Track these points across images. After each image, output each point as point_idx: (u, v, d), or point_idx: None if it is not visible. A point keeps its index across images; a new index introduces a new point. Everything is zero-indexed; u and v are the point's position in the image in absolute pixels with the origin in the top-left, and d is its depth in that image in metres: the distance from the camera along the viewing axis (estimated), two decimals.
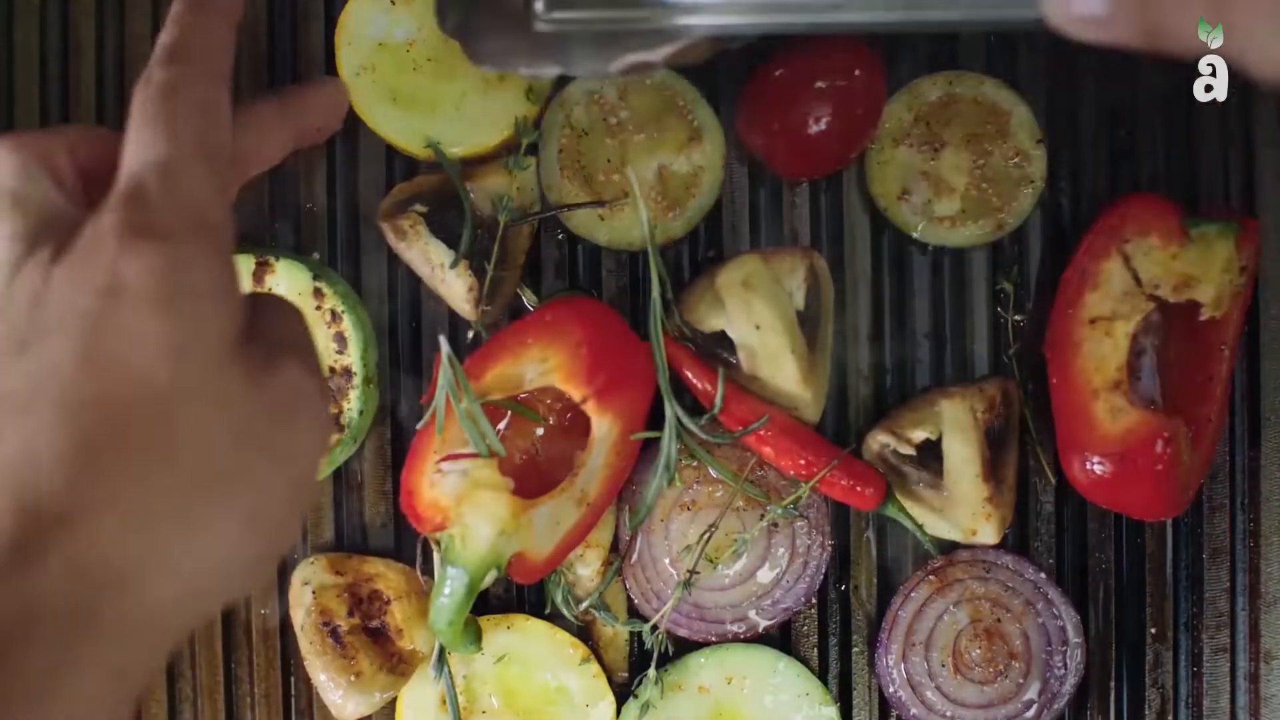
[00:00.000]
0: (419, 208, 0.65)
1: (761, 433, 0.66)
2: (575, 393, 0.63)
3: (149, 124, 0.38)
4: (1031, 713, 0.67)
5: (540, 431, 0.67)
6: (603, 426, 0.63)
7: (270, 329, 0.37)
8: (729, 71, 0.69)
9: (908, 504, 0.67)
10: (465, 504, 0.62)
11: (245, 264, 0.66)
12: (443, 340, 0.63)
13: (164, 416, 0.33)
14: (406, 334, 0.70)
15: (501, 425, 0.66)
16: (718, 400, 0.66)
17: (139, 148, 0.37)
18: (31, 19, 0.71)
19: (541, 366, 0.63)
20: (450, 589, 0.62)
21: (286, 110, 0.48)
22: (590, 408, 0.63)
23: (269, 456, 0.35)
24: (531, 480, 0.64)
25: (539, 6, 0.51)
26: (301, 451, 0.37)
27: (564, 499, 0.63)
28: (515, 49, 0.53)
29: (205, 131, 0.38)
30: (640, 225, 0.66)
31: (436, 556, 0.64)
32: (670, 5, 0.47)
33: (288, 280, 0.66)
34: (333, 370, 0.66)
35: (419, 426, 0.65)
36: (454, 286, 0.66)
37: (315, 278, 0.66)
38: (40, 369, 0.33)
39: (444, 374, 0.62)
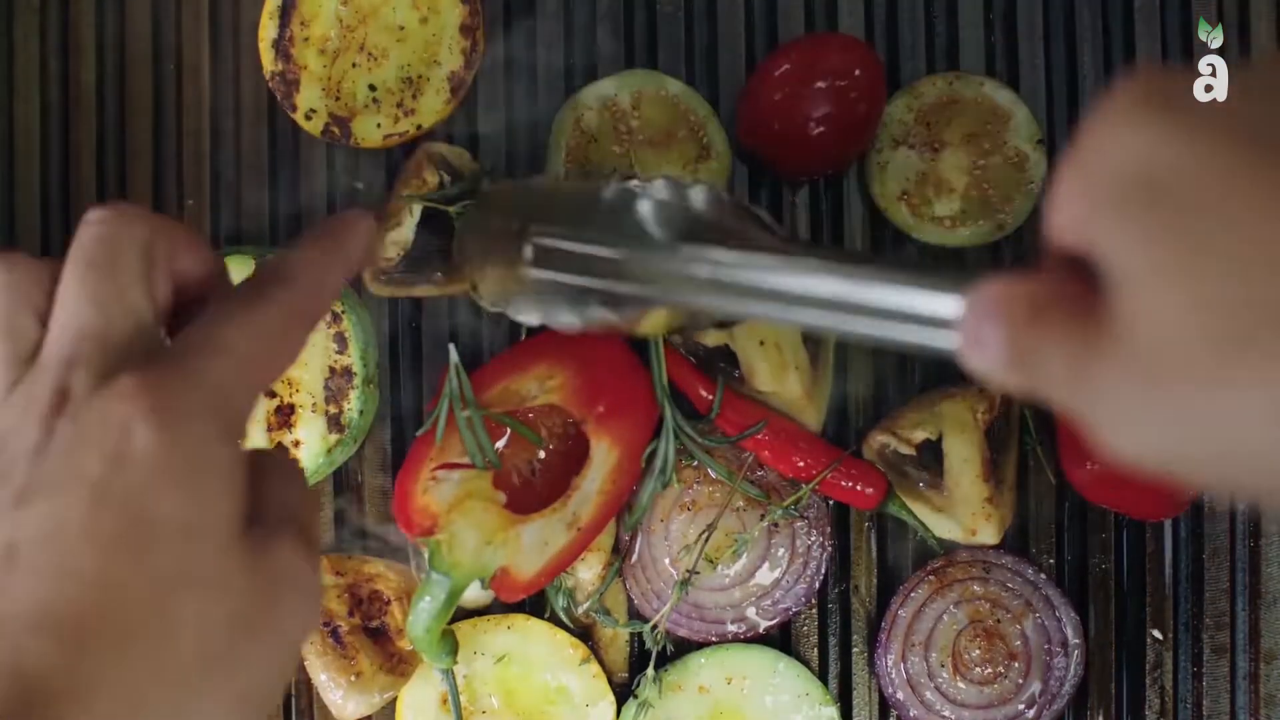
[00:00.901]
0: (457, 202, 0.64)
1: (760, 436, 0.66)
2: (577, 413, 0.63)
3: (231, 315, 0.36)
4: (1032, 713, 0.67)
5: (541, 455, 0.67)
6: (600, 451, 0.63)
7: (271, 504, 0.36)
8: (729, 71, 0.69)
9: (908, 504, 0.67)
10: (455, 512, 0.62)
11: (245, 264, 0.66)
12: (451, 349, 0.63)
13: (164, 600, 0.32)
14: (407, 335, 0.70)
15: (502, 443, 0.66)
16: (715, 404, 0.66)
17: (206, 324, 0.36)
18: (31, 19, 0.71)
19: (547, 384, 0.64)
20: (431, 595, 0.62)
21: (329, 268, 0.41)
22: (590, 430, 0.63)
23: (261, 639, 0.35)
24: (528, 502, 0.64)
25: (527, 264, 0.55)
26: (291, 633, 0.36)
27: (554, 520, 0.63)
28: (508, 293, 0.57)
29: (271, 347, 0.37)
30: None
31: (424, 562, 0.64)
32: (636, 281, 0.51)
33: None
34: (333, 370, 0.66)
35: (419, 433, 0.65)
36: (380, 248, 0.65)
37: None
38: (41, 531, 0.32)
39: (450, 382, 0.62)
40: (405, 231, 0.65)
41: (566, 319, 0.53)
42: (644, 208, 0.51)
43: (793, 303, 0.43)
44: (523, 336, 0.68)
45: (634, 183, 0.53)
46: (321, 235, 0.41)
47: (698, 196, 0.51)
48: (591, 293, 0.52)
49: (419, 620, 0.62)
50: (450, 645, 0.64)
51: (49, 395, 0.33)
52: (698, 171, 0.67)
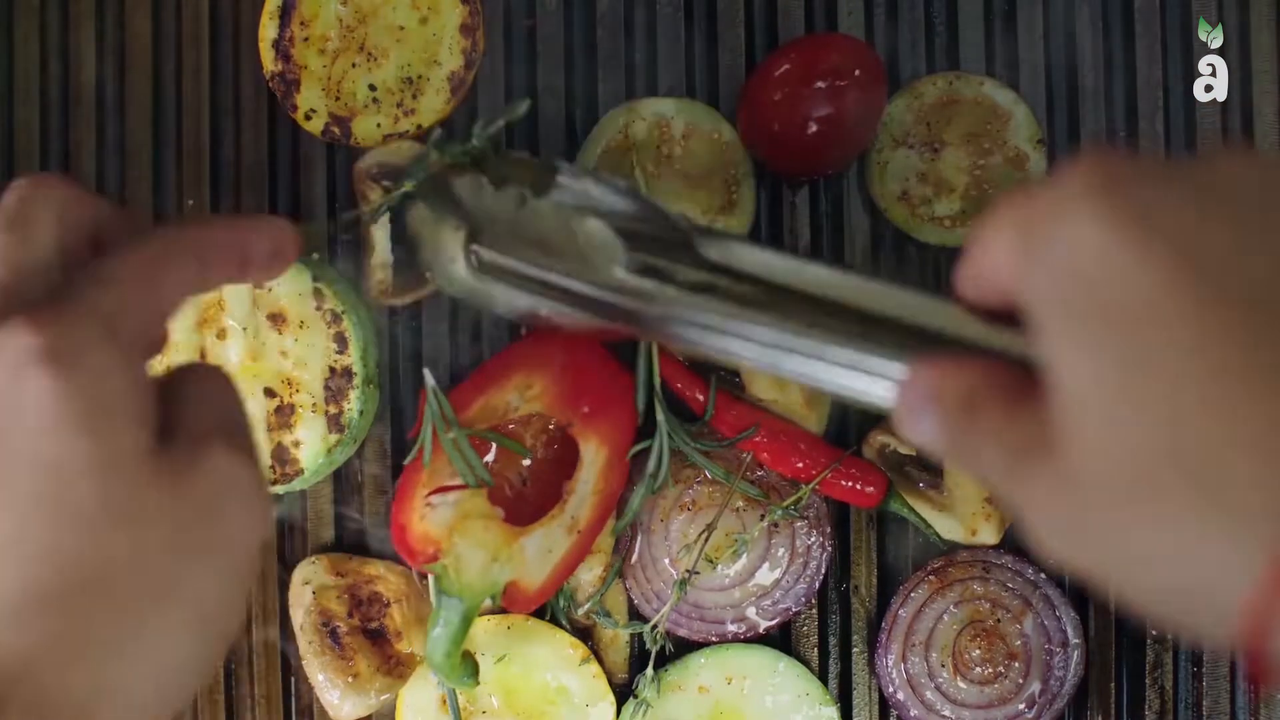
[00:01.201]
0: (404, 185, 0.59)
1: (759, 438, 0.66)
2: (561, 417, 0.63)
3: (115, 251, 0.36)
4: (1032, 713, 0.67)
5: (527, 463, 0.67)
6: (589, 451, 0.64)
7: (190, 417, 0.36)
8: (729, 71, 0.69)
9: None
10: (456, 534, 0.62)
11: None
12: (427, 373, 0.63)
13: (93, 544, 0.32)
14: (407, 334, 0.70)
15: (489, 457, 0.66)
16: (709, 407, 0.66)
17: (94, 262, 0.36)
18: (31, 19, 0.71)
19: (527, 394, 0.64)
20: (445, 620, 0.62)
21: (229, 250, 0.41)
22: (577, 431, 0.63)
23: (203, 557, 0.34)
24: (523, 513, 0.64)
25: (470, 267, 0.53)
26: (237, 543, 0.36)
27: (554, 526, 0.63)
28: (453, 276, 0.55)
29: (155, 271, 0.37)
30: None
31: (431, 590, 0.64)
32: (581, 308, 0.50)
33: (288, 280, 0.66)
34: (333, 370, 0.66)
35: (406, 461, 0.65)
36: (371, 274, 0.65)
37: (315, 278, 0.66)
38: None
39: (429, 406, 0.62)
40: (381, 253, 0.65)
41: (503, 307, 0.53)
42: (594, 226, 0.50)
43: (735, 338, 0.43)
44: (522, 333, 0.68)
45: (589, 183, 0.52)
46: (231, 217, 0.42)
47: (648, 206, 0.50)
48: (534, 291, 0.51)
49: (437, 647, 0.62)
50: (471, 667, 0.63)
51: None
52: (717, 220, 0.67)
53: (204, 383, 0.38)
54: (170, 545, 0.33)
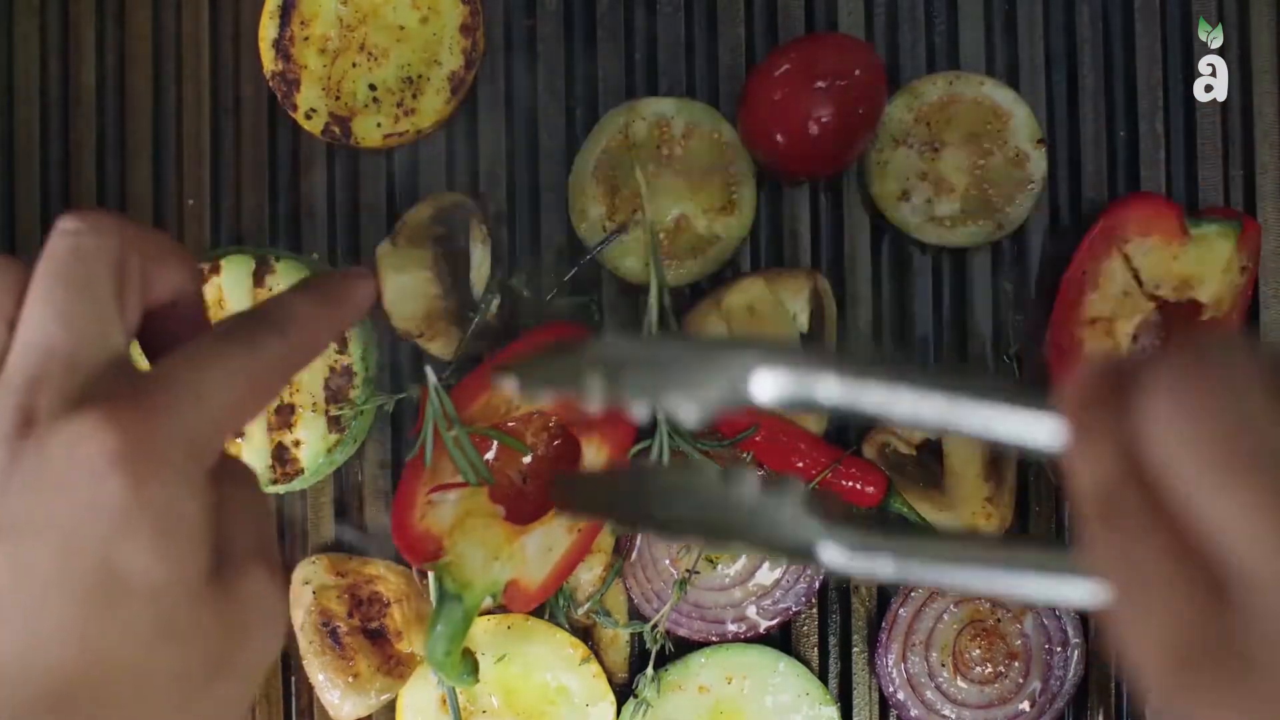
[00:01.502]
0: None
1: (758, 438, 0.66)
2: (564, 415, 0.63)
3: (216, 358, 0.34)
4: (1032, 712, 0.67)
5: (528, 460, 0.67)
6: (591, 450, 0.64)
7: (237, 536, 0.35)
8: (729, 71, 0.69)
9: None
10: (457, 532, 0.62)
11: (245, 264, 0.66)
12: (429, 371, 0.63)
13: (140, 656, 0.32)
14: None
15: (490, 455, 0.66)
16: None
17: (188, 361, 0.33)
18: (31, 19, 0.71)
19: None
20: (446, 618, 0.62)
21: (322, 316, 0.39)
22: (579, 430, 0.63)
23: (231, 675, 0.34)
24: (524, 511, 0.64)
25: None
26: (260, 661, 0.36)
27: (555, 525, 0.63)
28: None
29: (251, 398, 0.35)
30: (645, 248, 0.66)
31: (431, 587, 0.64)
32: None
33: (287, 281, 0.66)
34: (333, 370, 0.66)
35: (408, 459, 0.65)
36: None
37: None
38: (8, 573, 0.31)
39: (431, 404, 0.62)
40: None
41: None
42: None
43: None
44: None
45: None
46: (323, 287, 0.39)
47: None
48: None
49: (438, 645, 0.62)
50: (470, 665, 0.64)
51: (12, 414, 0.32)
52: (715, 222, 0.67)
53: (245, 492, 0.36)
54: (205, 663, 0.33)
